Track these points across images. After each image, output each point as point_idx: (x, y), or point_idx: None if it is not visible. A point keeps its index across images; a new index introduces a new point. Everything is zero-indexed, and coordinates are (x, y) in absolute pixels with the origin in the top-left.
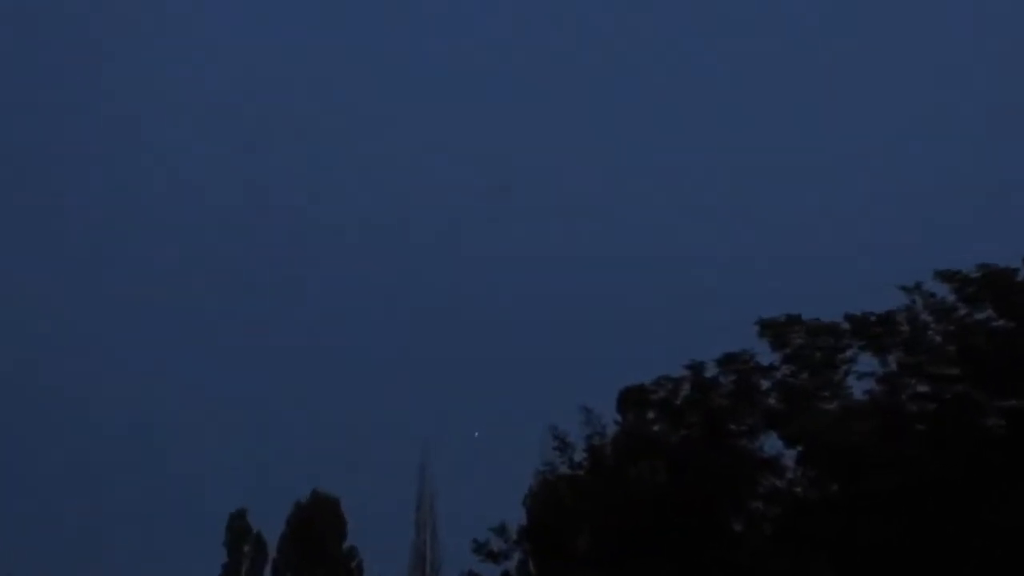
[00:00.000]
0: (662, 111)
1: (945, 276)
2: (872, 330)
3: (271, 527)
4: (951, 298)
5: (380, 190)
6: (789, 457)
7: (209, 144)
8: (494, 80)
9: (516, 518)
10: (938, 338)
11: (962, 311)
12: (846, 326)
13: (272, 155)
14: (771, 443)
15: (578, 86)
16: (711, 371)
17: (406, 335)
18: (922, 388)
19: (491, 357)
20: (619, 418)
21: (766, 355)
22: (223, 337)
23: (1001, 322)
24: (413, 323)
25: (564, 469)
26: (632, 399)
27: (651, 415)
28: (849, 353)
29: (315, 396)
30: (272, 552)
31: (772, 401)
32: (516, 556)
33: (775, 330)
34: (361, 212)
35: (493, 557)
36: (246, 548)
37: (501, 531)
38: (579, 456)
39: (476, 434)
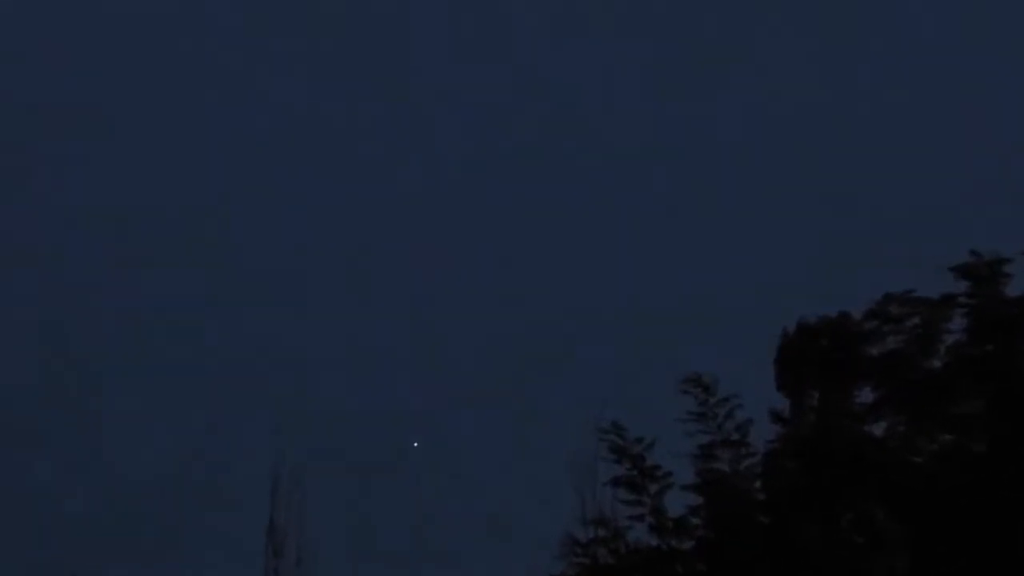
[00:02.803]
0: None
1: None
2: None
3: None
4: None
5: None
6: None
7: None
8: None
9: None
10: None
11: None
12: None
13: None
14: None
15: None
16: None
17: None
18: None
19: None
20: (784, 407)
21: None
22: None
23: None
24: None
25: (639, 535)
26: (819, 351)
27: (864, 390)
28: None
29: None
30: None
31: None
32: None
33: None
34: None
35: None
36: None
37: None
38: (677, 502)
39: (415, 445)
